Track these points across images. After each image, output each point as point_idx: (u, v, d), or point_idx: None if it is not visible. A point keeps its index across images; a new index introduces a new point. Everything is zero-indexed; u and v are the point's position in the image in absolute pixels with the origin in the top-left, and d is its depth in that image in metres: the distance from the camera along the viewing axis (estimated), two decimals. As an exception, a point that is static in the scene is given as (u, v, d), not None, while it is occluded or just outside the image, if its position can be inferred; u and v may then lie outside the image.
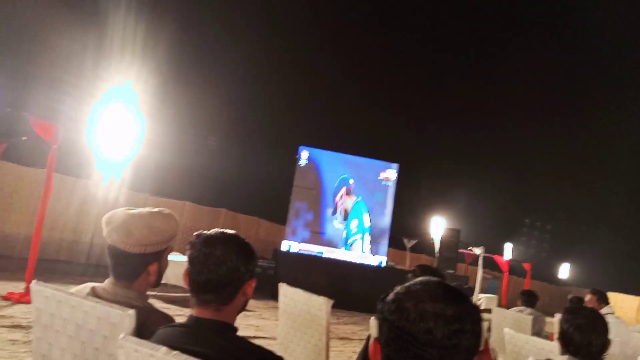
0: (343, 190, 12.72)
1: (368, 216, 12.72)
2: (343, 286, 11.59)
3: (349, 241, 12.58)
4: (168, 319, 1.59)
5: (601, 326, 2.06)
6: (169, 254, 1.75)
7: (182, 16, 16.58)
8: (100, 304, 1.51)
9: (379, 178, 12.94)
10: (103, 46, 12.11)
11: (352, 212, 12.65)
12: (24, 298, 6.41)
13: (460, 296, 0.91)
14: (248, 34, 19.47)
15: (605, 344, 2.04)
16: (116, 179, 9.81)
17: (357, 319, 10.38)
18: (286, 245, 12.19)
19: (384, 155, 13.50)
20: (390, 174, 13.03)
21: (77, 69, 11.23)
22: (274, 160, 16.14)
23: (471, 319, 0.88)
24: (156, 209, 1.73)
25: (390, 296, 0.94)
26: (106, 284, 1.67)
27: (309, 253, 12.17)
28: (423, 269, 2.41)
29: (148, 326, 1.50)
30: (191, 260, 1.37)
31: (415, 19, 29.49)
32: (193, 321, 1.36)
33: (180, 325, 1.38)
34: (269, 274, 12.49)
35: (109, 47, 12.22)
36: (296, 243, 12.24)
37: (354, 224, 12.64)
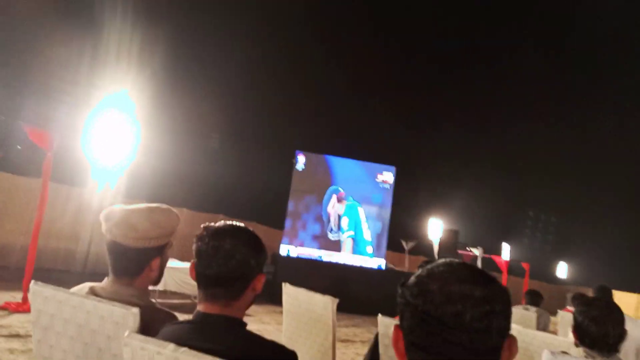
0: (334, 198, 12.67)
1: (362, 210, 12.67)
2: (343, 289, 11.50)
3: (342, 237, 12.51)
4: (172, 317, 1.54)
5: (617, 316, 2.01)
6: (169, 248, 1.71)
7: (177, 23, 16.57)
8: (102, 302, 1.46)
9: (377, 180, 12.91)
10: (98, 54, 12.07)
11: (344, 214, 12.61)
12: (21, 307, 6.32)
13: (488, 277, 0.86)
14: (243, 39, 19.46)
15: (622, 334, 1.98)
16: (111, 186, 9.76)
17: (357, 321, 10.32)
18: (285, 250, 12.13)
19: (381, 158, 13.47)
20: (388, 176, 13.00)
21: (73, 77, 11.17)
22: (271, 165, 16.11)
23: (501, 300, 0.83)
24: (154, 204, 1.68)
25: (412, 279, 0.89)
26: (105, 283, 1.61)
27: (308, 257, 12.11)
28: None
29: (152, 325, 1.45)
30: (199, 254, 1.31)
31: (412, 21, 29.58)
32: (200, 317, 1.30)
33: (187, 322, 1.33)
34: (268, 278, 12.42)
35: (104, 55, 12.18)
36: (294, 247, 12.19)
37: (344, 221, 12.58)
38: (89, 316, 1.46)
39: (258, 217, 14.73)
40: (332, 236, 12.44)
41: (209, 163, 16.15)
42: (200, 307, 1.32)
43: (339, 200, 12.64)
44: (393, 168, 13.09)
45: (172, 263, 7.98)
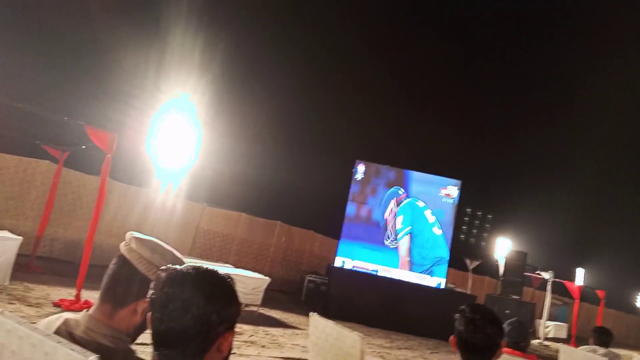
0: (392, 203, 12.18)
1: (429, 212, 12.11)
2: (398, 307, 11.08)
3: (398, 236, 12.01)
4: None
5: None
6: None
7: (237, 31, 16.85)
8: (61, 344, 1.24)
9: (440, 194, 12.34)
10: (163, 61, 12.50)
11: (398, 213, 12.10)
12: (73, 306, 6.48)
13: None
14: (304, 47, 19.48)
15: None
16: (174, 187, 9.99)
17: (412, 343, 9.82)
18: (340, 261, 11.84)
19: (446, 171, 12.88)
20: (452, 190, 12.40)
21: (140, 83, 11.61)
22: (330, 173, 15.91)
23: None
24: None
25: None
26: (82, 316, 1.41)
27: (363, 270, 11.75)
28: (475, 310, 1.99)
29: None
30: (152, 304, 1.07)
31: (476, 30, 28.37)
32: None
33: None
34: (322, 290, 12.20)
35: (168, 61, 12.61)
36: (350, 260, 11.86)
37: (399, 220, 12.06)
38: (47, 359, 1.26)
39: (315, 226, 14.56)
40: (389, 243, 11.99)
41: (268, 169, 16.23)
42: None
43: (398, 204, 12.18)
44: (458, 182, 12.48)
45: (222, 269, 7.91)
